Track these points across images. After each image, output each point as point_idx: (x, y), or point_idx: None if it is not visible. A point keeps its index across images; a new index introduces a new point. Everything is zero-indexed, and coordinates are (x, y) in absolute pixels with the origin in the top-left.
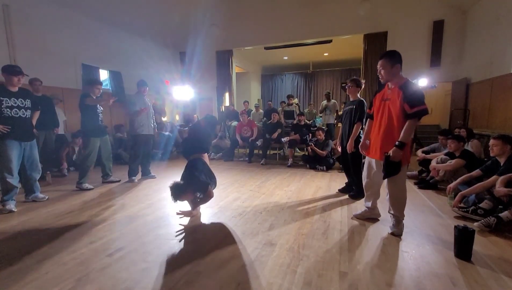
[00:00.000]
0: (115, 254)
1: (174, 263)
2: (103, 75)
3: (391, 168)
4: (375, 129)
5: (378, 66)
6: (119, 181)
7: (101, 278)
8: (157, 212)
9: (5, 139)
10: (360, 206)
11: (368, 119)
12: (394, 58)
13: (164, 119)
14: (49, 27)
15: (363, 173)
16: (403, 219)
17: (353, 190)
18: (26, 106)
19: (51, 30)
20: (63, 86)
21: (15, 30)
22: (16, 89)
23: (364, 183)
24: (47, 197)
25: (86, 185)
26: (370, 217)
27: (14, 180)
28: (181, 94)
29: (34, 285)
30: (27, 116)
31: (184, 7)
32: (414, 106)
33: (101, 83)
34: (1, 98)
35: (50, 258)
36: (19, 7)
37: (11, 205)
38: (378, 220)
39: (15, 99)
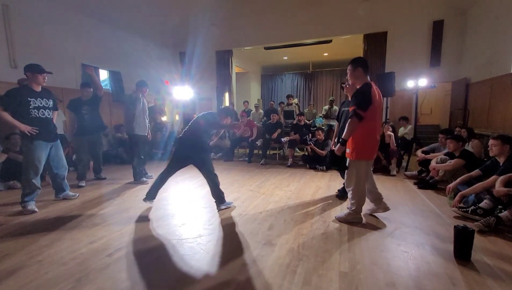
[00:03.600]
0: (115, 254)
1: (174, 263)
2: (103, 75)
3: (333, 160)
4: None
5: (347, 71)
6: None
7: (101, 278)
8: (157, 212)
9: (33, 140)
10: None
11: None
12: (356, 62)
13: (164, 119)
14: (49, 27)
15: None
16: (356, 213)
17: (341, 189)
18: (49, 106)
19: (51, 30)
20: (63, 86)
21: (15, 30)
22: (39, 88)
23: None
24: (77, 195)
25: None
26: (380, 211)
27: (38, 180)
28: (181, 94)
29: (34, 285)
30: (51, 116)
31: (184, 7)
32: (354, 106)
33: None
34: (29, 99)
35: (50, 258)
36: (19, 7)
37: (32, 206)
38: (389, 209)
39: (41, 100)
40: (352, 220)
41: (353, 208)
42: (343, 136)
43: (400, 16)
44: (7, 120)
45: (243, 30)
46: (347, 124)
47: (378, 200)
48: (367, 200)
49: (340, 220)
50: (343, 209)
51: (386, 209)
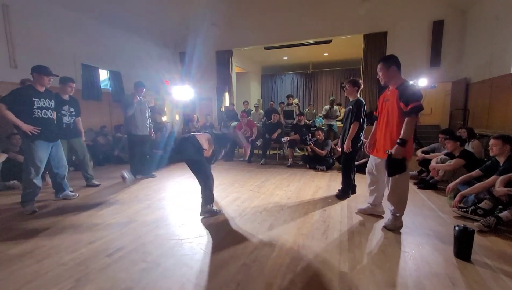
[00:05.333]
0: (115, 254)
1: (173, 263)
2: (103, 75)
3: (394, 166)
4: (379, 129)
5: (378, 70)
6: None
7: (101, 278)
8: (156, 212)
9: (35, 139)
10: (360, 204)
11: (375, 120)
12: (389, 61)
13: (164, 119)
14: (49, 27)
15: (366, 170)
16: (401, 217)
17: (340, 190)
18: (51, 106)
19: (51, 30)
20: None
21: (15, 30)
22: (43, 89)
23: (367, 180)
24: (77, 195)
25: (93, 182)
26: (373, 213)
27: (38, 180)
28: (181, 94)
29: (34, 285)
30: (52, 117)
31: (184, 7)
32: (409, 103)
33: (73, 81)
34: (33, 99)
35: (50, 258)
36: (19, 7)
37: (32, 206)
38: (382, 217)
39: (44, 100)
40: (400, 225)
41: (400, 215)
42: (402, 136)
43: (400, 16)
44: (10, 119)
45: (243, 30)
46: (405, 123)
47: (378, 199)
48: (368, 195)
49: (388, 228)
50: (343, 209)
51: (381, 212)
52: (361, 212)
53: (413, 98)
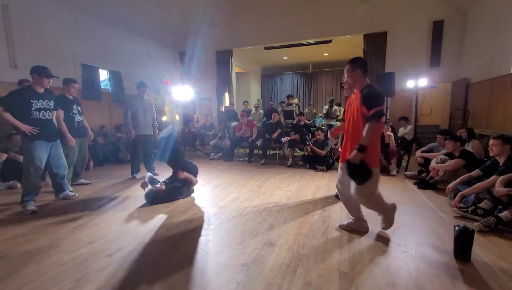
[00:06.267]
0: (115, 254)
1: (174, 263)
2: (103, 75)
3: (356, 172)
4: (346, 134)
5: (344, 71)
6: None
7: (101, 278)
8: (156, 212)
9: (34, 139)
10: None
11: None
12: (356, 63)
13: (164, 119)
14: (49, 26)
15: (336, 182)
16: (389, 214)
17: None
18: (50, 107)
19: (51, 30)
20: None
21: (15, 30)
22: (42, 90)
23: (338, 191)
24: (77, 195)
25: (82, 181)
26: (357, 230)
27: (38, 180)
28: (181, 94)
29: (34, 285)
30: (51, 117)
31: (184, 7)
32: (372, 108)
33: (76, 81)
34: (31, 100)
35: (50, 258)
36: (19, 7)
37: (32, 206)
38: (367, 233)
39: (42, 101)
40: (392, 218)
41: (385, 213)
42: (362, 142)
43: (400, 16)
44: (9, 120)
45: (243, 30)
46: (366, 129)
47: (358, 213)
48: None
49: (383, 229)
50: (343, 209)
51: (365, 229)
52: (342, 228)
53: (375, 103)
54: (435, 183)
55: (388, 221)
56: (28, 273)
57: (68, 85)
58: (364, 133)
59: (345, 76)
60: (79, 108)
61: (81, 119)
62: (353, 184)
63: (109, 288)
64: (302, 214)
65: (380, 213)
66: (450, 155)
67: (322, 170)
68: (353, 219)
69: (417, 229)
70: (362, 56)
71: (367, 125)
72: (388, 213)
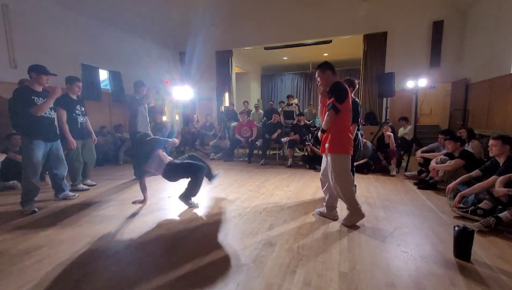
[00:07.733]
0: (115, 254)
1: (174, 264)
2: (103, 75)
3: (318, 141)
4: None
5: (316, 77)
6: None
7: (101, 278)
8: (156, 212)
9: (32, 139)
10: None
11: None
12: (323, 66)
13: (164, 119)
14: (49, 27)
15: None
16: (357, 211)
17: None
18: (51, 106)
19: (51, 30)
20: (63, 86)
21: (15, 30)
22: (41, 89)
23: (320, 183)
24: (77, 195)
25: (81, 186)
26: (328, 217)
27: (37, 180)
28: (181, 94)
29: (34, 285)
30: (52, 116)
31: (184, 7)
32: (332, 97)
33: (80, 80)
34: (33, 97)
35: (50, 258)
36: (19, 7)
37: (32, 206)
38: (336, 220)
39: (43, 99)
40: (355, 219)
41: (353, 209)
42: (322, 125)
43: (400, 16)
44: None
45: (243, 30)
46: (325, 116)
47: (331, 201)
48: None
49: (345, 224)
50: (342, 209)
51: (334, 217)
52: (317, 214)
53: (337, 95)
54: (435, 183)
55: (350, 221)
56: (28, 273)
57: (72, 84)
58: (324, 118)
59: (318, 79)
60: (83, 109)
61: (84, 120)
62: (330, 173)
63: (109, 288)
64: (302, 214)
65: (349, 206)
66: (450, 155)
67: None
68: (326, 208)
69: (417, 229)
70: (361, 56)
71: (327, 112)
72: (354, 212)
